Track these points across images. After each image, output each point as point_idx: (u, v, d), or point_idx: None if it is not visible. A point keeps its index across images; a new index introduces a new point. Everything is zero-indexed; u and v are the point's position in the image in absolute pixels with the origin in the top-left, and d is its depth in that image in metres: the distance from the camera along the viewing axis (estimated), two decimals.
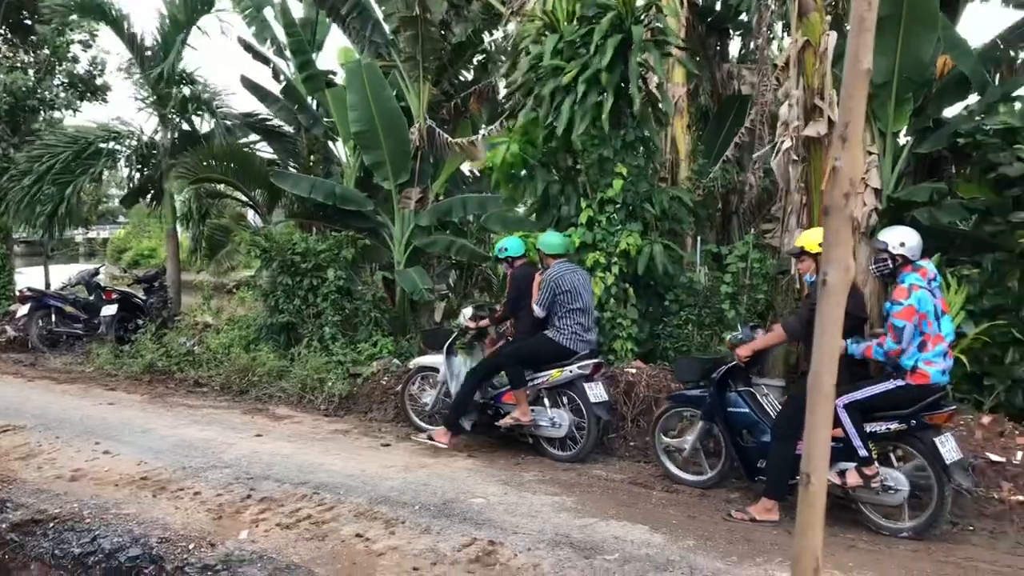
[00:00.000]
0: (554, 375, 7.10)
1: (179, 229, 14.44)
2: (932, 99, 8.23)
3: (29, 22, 16.46)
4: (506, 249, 7.64)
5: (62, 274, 16.12)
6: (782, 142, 7.68)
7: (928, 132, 8.08)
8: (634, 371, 7.69)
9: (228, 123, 13.57)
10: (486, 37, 13.24)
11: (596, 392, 7.02)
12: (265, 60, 14.03)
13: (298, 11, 13.93)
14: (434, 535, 5.23)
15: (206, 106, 13.35)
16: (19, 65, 16.12)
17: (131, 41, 12.95)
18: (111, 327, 12.36)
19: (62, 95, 15.97)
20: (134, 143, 13.25)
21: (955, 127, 7.73)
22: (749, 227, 10.03)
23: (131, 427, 8.06)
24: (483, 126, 12.26)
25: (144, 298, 13.23)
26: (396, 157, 10.95)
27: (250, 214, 15.48)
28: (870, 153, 7.55)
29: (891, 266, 5.38)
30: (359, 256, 11.11)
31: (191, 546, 5.08)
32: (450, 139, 11.26)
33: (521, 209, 9.74)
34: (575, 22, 7.97)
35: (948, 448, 5.18)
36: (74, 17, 14.45)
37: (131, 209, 23.35)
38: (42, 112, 15.93)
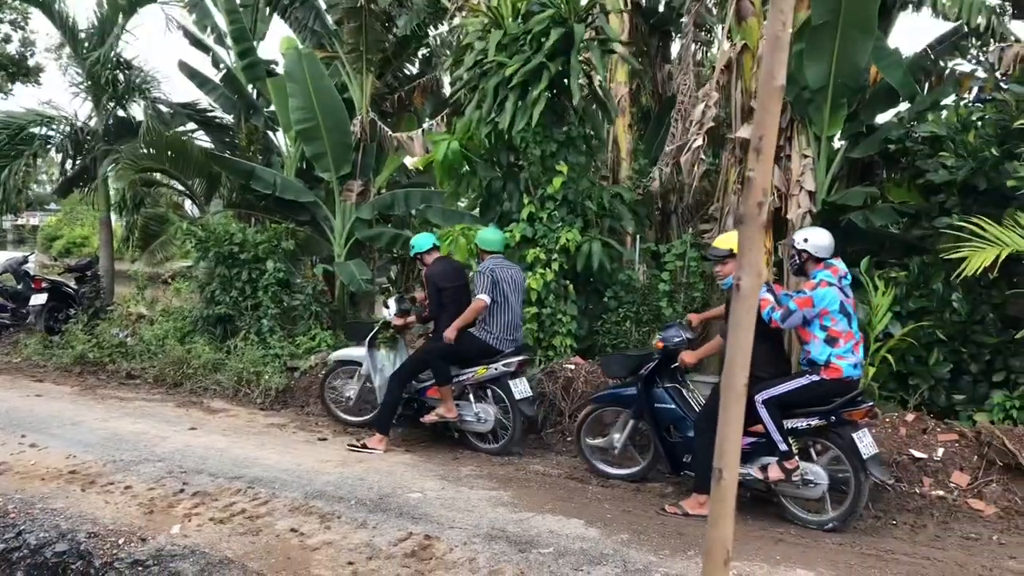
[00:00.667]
0: (479, 372, 7.13)
1: (113, 217, 14.09)
2: (866, 105, 8.39)
3: None
4: (413, 247, 7.63)
5: None
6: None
7: (861, 137, 8.24)
8: (573, 367, 7.77)
9: (165, 110, 13.28)
10: (431, 31, 13.18)
11: (521, 388, 7.08)
12: (204, 48, 13.75)
13: None
14: (370, 530, 5.22)
15: (142, 92, 13.03)
16: None
17: (63, 24, 12.59)
18: (40, 317, 12.04)
19: None
20: (67, 128, 12.89)
21: (887, 133, 7.90)
22: (687, 226, 10.18)
23: (60, 420, 7.87)
24: (427, 120, 12.20)
25: (76, 287, 12.89)
26: (337, 149, 10.78)
27: (187, 203, 15.18)
28: (805, 156, 7.72)
29: (798, 261, 5.65)
30: (299, 248, 10.98)
31: (121, 541, 4.99)
32: (390, 133, 11.19)
33: (463, 203, 9.75)
34: (519, 18, 7.99)
35: (865, 443, 5.38)
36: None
37: (64, 196, 22.68)
38: None
